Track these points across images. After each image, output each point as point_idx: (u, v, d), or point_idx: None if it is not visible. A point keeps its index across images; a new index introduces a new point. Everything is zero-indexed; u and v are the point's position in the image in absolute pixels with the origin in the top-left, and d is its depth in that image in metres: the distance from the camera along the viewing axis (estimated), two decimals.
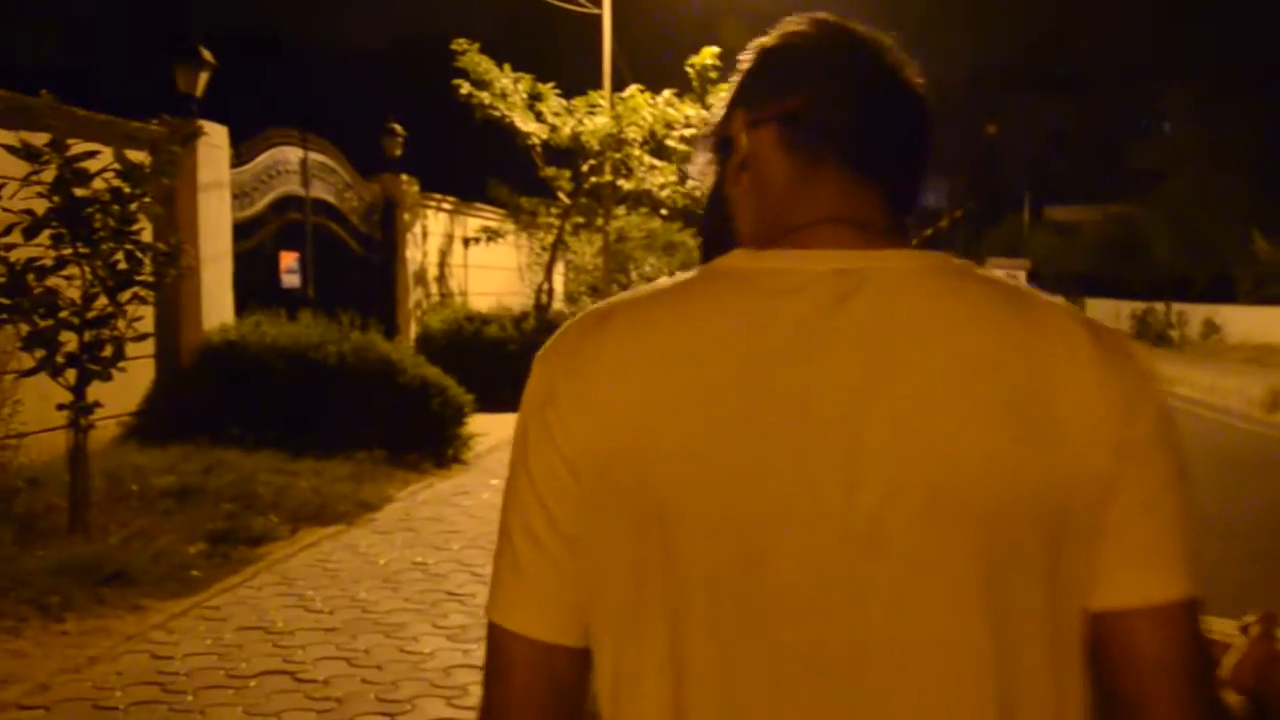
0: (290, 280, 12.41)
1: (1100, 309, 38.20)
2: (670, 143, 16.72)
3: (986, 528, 0.92)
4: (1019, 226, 51.05)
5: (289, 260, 12.50)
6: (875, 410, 0.93)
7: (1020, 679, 0.93)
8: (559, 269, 21.91)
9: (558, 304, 19.35)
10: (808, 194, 1.04)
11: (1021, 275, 45.02)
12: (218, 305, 10.23)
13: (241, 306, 10.60)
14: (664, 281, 1.03)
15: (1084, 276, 42.12)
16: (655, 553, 0.95)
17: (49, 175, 6.20)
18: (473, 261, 18.78)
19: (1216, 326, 30.81)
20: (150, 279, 6.65)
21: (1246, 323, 29.47)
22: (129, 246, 6.44)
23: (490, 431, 11.79)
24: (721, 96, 1.15)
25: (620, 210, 20.16)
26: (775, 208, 1.05)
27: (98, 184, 6.37)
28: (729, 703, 0.94)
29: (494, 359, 14.72)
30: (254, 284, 11.23)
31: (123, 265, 6.45)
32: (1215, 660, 1.22)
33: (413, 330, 15.40)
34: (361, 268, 14.45)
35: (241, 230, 11.09)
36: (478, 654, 5.10)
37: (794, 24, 1.09)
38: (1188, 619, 0.96)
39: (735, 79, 1.12)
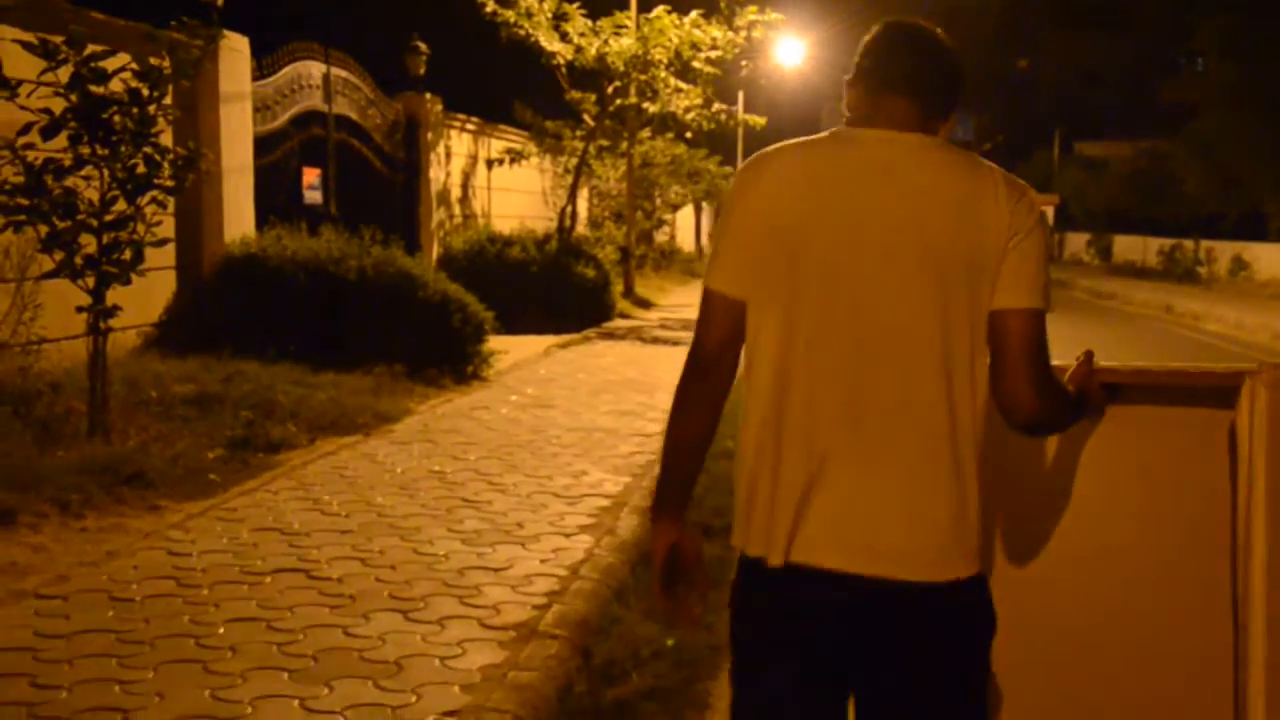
0: (312, 197, 12.36)
1: (1128, 245, 37.78)
2: (696, 65, 16.49)
3: (941, 270, 1.95)
4: (1049, 161, 50.35)
5: (311, 176, 12.44)
6: (893, 204, 1.98)
7: (954, 349, 1.96)
8: (583, 193, 21.81)
9: (581, 228, 19.27)
10: (874, 108, 2.07)
11: (1049, 210, 44.59)
12: (239, 217, 10.19)
13: (263, 221, 10.56)
14: (801, 139, 2.07)
15: (1113, 213, 41.59)
16: (785, 269, 1.98)
17: (65, 75, 6.14)
18: (496, 184, 18.66)
19: (1245, 263, 30.35)
20: (169, 183, 6.60)
21: (1276, 260, 29.04)
22: (147, 150, 6.39)
23: (511, 350, 11.81)
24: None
25: (645, 134, 19.96)
26: (862, 112, 2.09)
27: (115, 85, 6.31)
28: (809, 354, 1.97)
29: (516, 281, 14.71)
30: (276, 199, 11.20)
31: (141, 169, 6.40)
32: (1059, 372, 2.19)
33: (435, 251, 15.35)
34: (384, 186, 14.37)
35: (263, 144, 11.03)
36: (492, 557, 5.12)
37: (876, 26, 2.12)
38: (1037, 318, 2.00)
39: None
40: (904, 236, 1.95)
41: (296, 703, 3.59)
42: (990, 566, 2.28)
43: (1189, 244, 33.58)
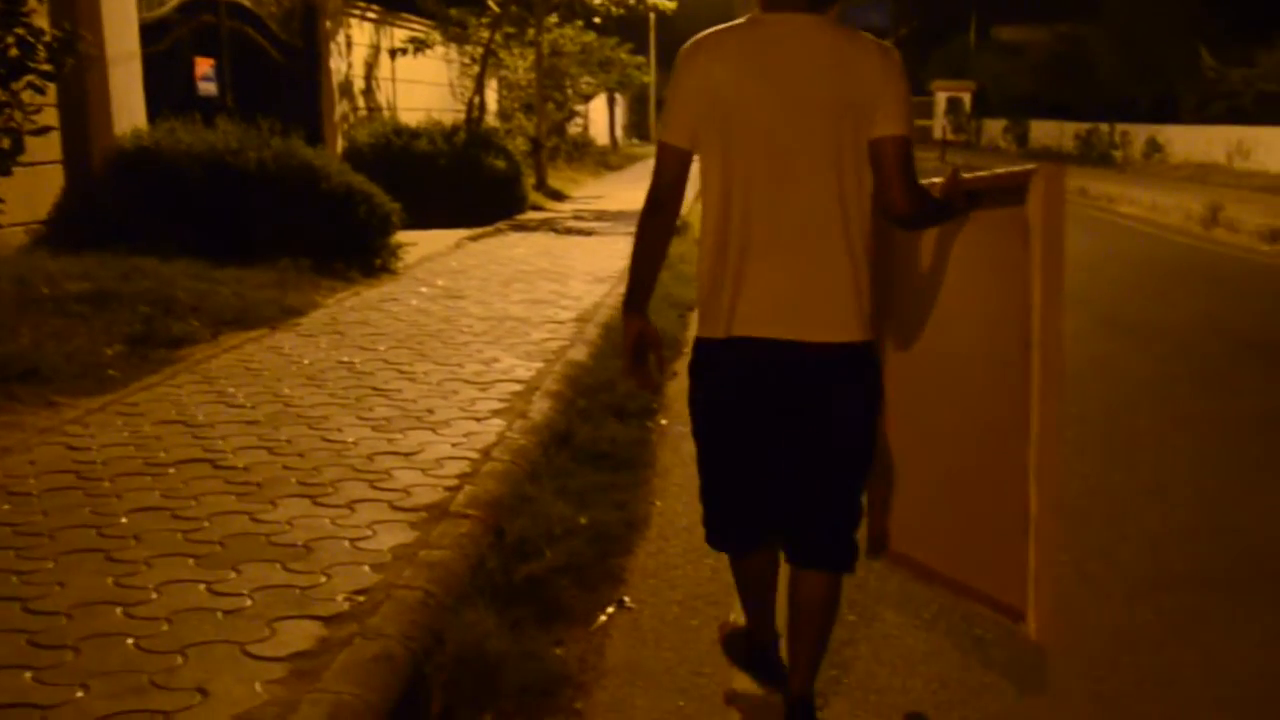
0: (207, 88, 11.90)
1: (1045, 130, 38.08)
2: None
3: (833, 113, 2.65)
4: (965, 47, 50.35)
5: (204, 67, 11.96)
6: (796, 68, 2.65)
7: (844, 169, 2.66)
8: (491, 85, 21.32)
9: (491, 120, 18.89)
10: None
11: (966, 97, 44.73)
12: (129, 109, 9.79)
13: (155, 114, 10.15)
14: (726, 25, 2.71)
15: (1030, 98, 41.73)
16: (721, 124, 2.67)
17: None
18: (401, 75, 18.15)
19: (1159, 146, 30.78)
20: (46, 67, 6.29)
21: (1189, 142, 29.49)
22: (19, 30, 6.07)
23: (421, 244, 11.62)
24: None
25: (552, 20, 19.51)
26: (766, 5, 2.71)
27: None
28: (742, 181, 2.66)
29: (425, 174, 14.41)
30: (168, 92, 10.76)
31: (14, 51, 6.08)
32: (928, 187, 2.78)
33: (339, 144, 14.94)
34: (284, 78, 13.88)
35: (150, 32, 10.54)
36: (402, 442, 5.07)
37: None
38: (906, 142, 2.66)
39: None
40: (805, 91, 2.67)
41: (203, 587, 3.54)
42: (880, 338, 2.92)
43: (1104, 128, 33.83)
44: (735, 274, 2.68)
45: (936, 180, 2.80)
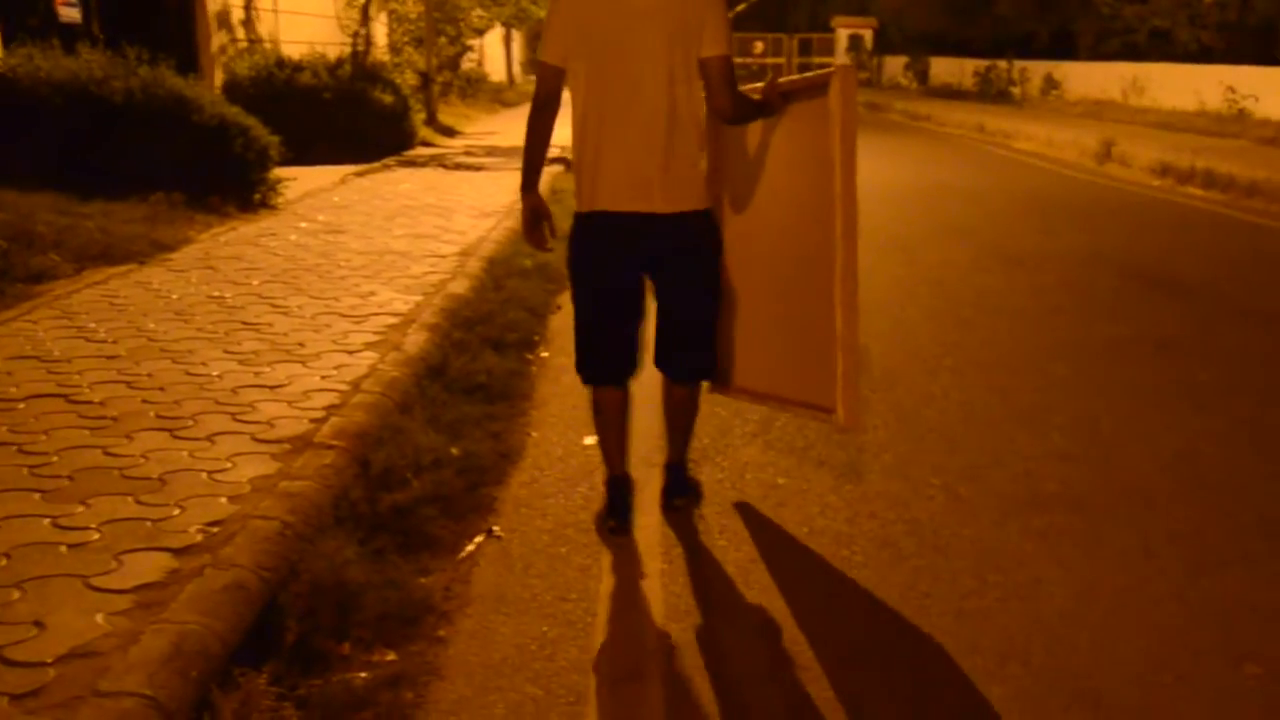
0: (69, 14, 11.34)
1: (945, 68, 38.35)
2: None
3: (668, 33, 3.46)
4: None
5: None
6: (637, 4, 3.47)
7: (677, 78, 3.49)
8: (381, 18, 20.74)
9: (381, 54, 18.38)
10: None
11: (868, 34, 44.80)
12: None
13: (10, 40, 9.63)
14: None
15: (932, 35, 41.88)
16: (583, 45, 3.50)
17: None
18: (283, 6, 17.53)
19: (1056, 82, 31.17)
20: None
21: (1085, 79, 29.92)
22: None
23: (305, 180, 11.29)
24: None
25: None
26: None
27: None
28: (599, 90, 3.51)
29: (309, 109, 14.00)
30: (26, 17, 10.23)
31: None
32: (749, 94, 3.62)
33: (218, 77, 14.40)
34: (155, 6, 13.30)
35: None
36: (269, 375, 4.91)
37: None
38: (727, 59, 3.50)
39: None
40: (647, 18, 3.45)
41: (47, 521, 3.38)
42: (718, 208, 3.81)
43: (1003, 65, 34.06)
44: (595, 162, 3.55)
45: (757, 85, 3.69)
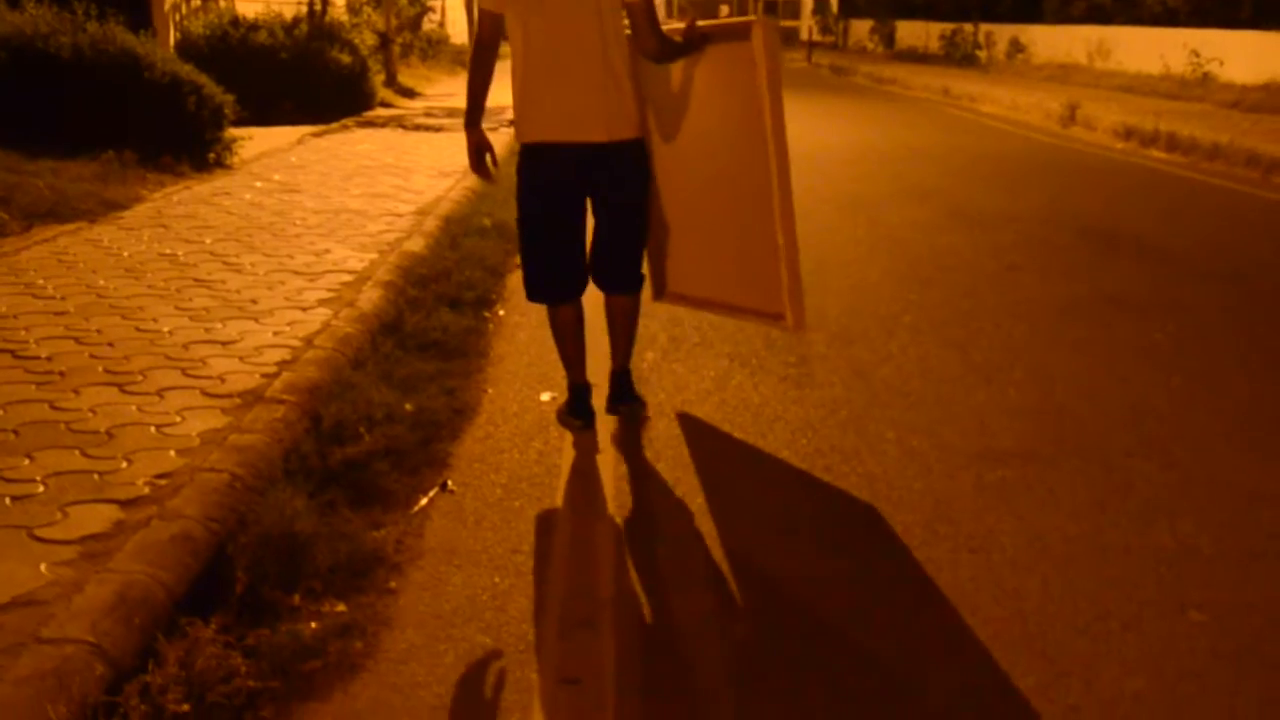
0: None
1: (911, 31, 38.12)
2: None
3: None
4: None
5: None
6: None
7: (606, 22, 3.90)
8: None
9: (339, 14, 18.11)
10: None
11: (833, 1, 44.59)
12: None
13: None
14: None
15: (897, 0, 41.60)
16: (521, 6, 3.88)
17: None
18: None
19: (1022, 46, 30.98)
20: None
21: (1051, 42, 29.76)
22: None
23: (262, 140, 11.14)
24: None
25: None
26: None
27: None
28: (532, 33, 3.87)
29: (266, 69, 13.81)
30: None
31: None
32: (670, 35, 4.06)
33: (172, 36, 14.13)
34: None
35: None
36: (221, 332, 4.85)
37: None
38: (650, 3, 3.96)
39: None
40: None
41: None
42: (647, 138, 4.20)
43: (969, 28, 33.85)
44: (536, 99, 3.93)
45: (678, 26, 4.10)
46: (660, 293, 4.66)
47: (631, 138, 4.03)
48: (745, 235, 4.13)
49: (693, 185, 4.27)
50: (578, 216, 4.11)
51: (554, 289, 4.17)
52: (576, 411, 4.27)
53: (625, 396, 4.36)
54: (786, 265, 3.97)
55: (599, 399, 4.39)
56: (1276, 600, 3.13)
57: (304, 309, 5.22)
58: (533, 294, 4.20)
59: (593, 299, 4.28)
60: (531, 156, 4.02)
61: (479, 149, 4.09)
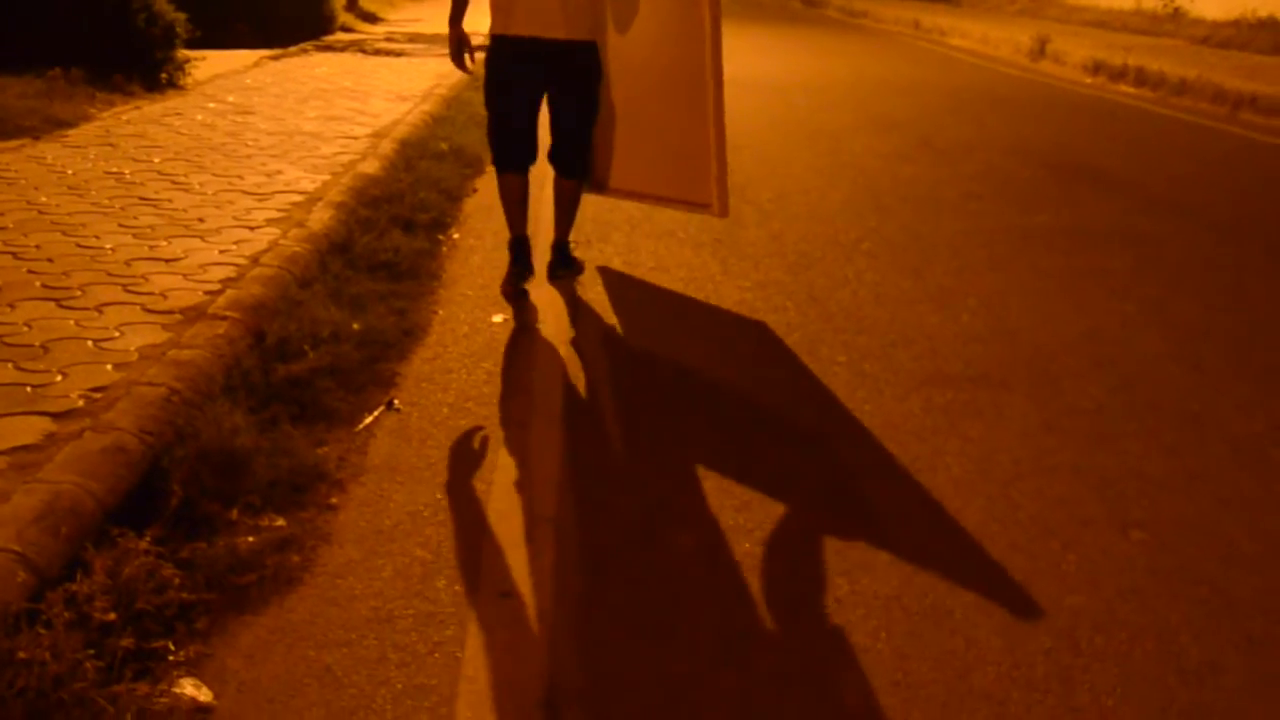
0: None
1: None
2: None
3: None
4: None
5: None
6: None
7: None
8: None
9: None
10: None
11: None
12: None
13: None
14: None
15: None
16: None
17: None
18: None
19: None
20: None
21: None
22: None
23: (218, 61, 10.89)
24: None
25: None
26: None
27: None
28: None
29: None
30: None
31: None
32: None
33: None
34: None
35: None
36: (165, 249, 4.75)
37: None
38: None
39: None
40: None
41: None
42: (603, 42, 4.71)
43: None
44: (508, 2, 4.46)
45: None
46: (601, 186, 5.21)
47: (587, 39, 4.54)
48: (680, 132, 4.74)
49: (637, 87, 4.84)
50: (533, 103, 4.66)
51: (508, 159, 4.74)
52: (515, 259, 4.75)
53: (565, 263, 4.99)
54: (716, 157, 4.63)
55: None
56: (1216, 520, 3.15)
57: (252, 228, 5.11)
58: (497, 163, 4.78)
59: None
60: (499, 46, 4.54)
61: (459, 44, 4.69)
